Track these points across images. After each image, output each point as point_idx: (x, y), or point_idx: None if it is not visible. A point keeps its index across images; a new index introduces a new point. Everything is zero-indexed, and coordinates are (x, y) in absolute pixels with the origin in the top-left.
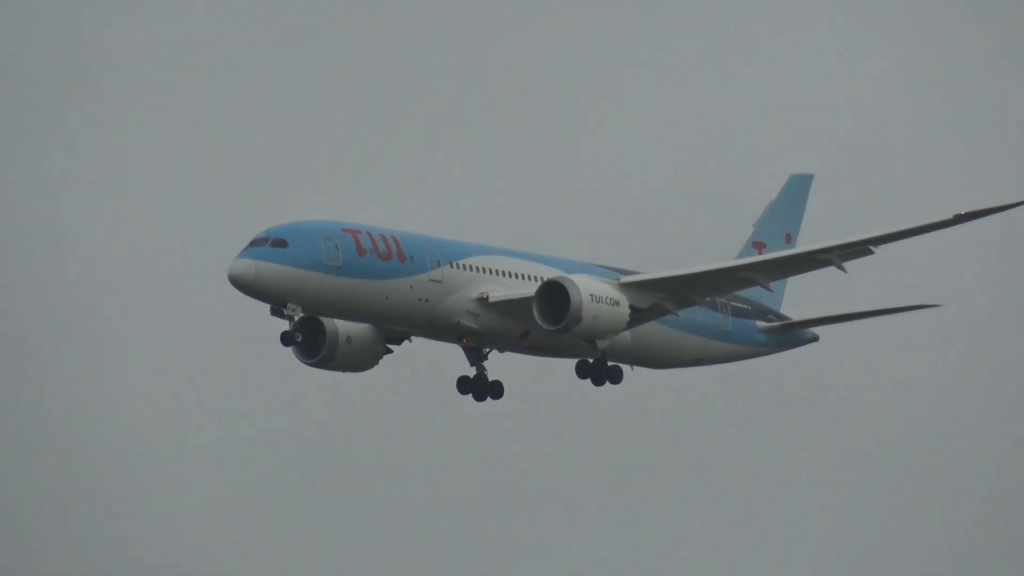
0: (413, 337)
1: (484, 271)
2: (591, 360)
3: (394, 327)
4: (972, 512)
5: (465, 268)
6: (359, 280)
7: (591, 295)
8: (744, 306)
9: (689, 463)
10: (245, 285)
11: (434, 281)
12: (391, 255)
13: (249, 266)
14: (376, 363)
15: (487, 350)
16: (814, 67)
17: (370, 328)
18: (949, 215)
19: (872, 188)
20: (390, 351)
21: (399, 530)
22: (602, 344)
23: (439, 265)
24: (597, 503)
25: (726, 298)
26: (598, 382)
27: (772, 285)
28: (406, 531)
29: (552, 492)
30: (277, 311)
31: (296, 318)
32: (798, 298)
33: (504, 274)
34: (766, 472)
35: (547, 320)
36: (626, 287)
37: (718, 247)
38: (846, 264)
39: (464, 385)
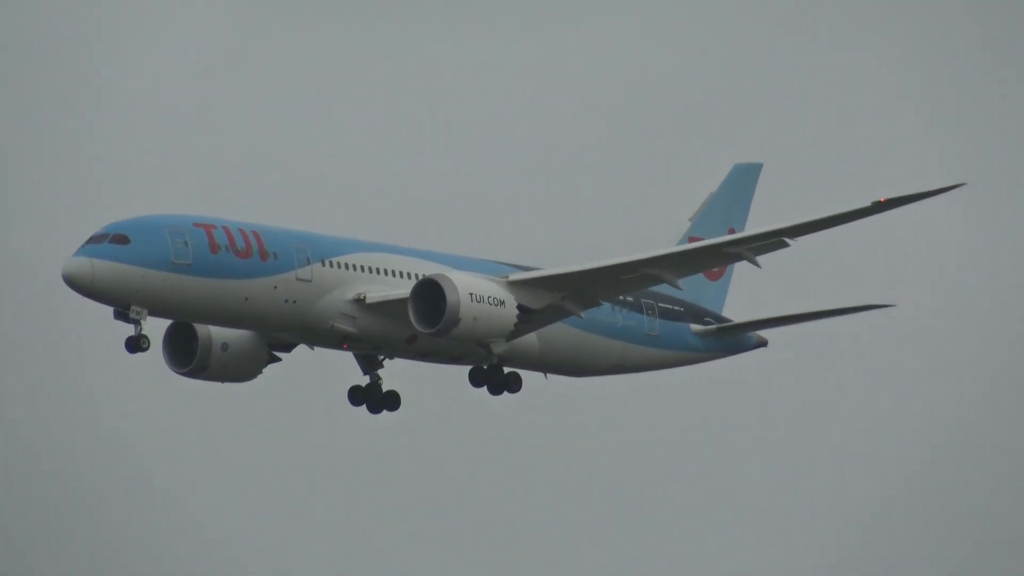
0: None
1: (361, 269)
2: (485, 366)
3: (261, 331)
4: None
5: (339, 266)
6: (212, 280)
7: (471, 294)
8: (675, 308)
9: (601, 475)
10: (81, 286)
11: (302, 280)
12: (251, 252)
13: (84, 265)
14: (259, 372)
15: (381, 357)
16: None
17: (250, 334)
18: (868, 202)
19: (829, 178)
20: (277, 359)
21: (285, 553)
22: (497, 349)
23: (308, 263)
24: (505, 518)
25: (652, 299)
26: (495, 391)
27: (715, 284)
28: (293, 554)
29: (455, 510)
30: (121, 314)
31: (142, 322)
32: (744, 299)
33: (385, 272)
34: (669, 484)
35: (423, 322)
36: (515, 285)
37: (651, 242)
38: (761, 259)
39: (356, 396)
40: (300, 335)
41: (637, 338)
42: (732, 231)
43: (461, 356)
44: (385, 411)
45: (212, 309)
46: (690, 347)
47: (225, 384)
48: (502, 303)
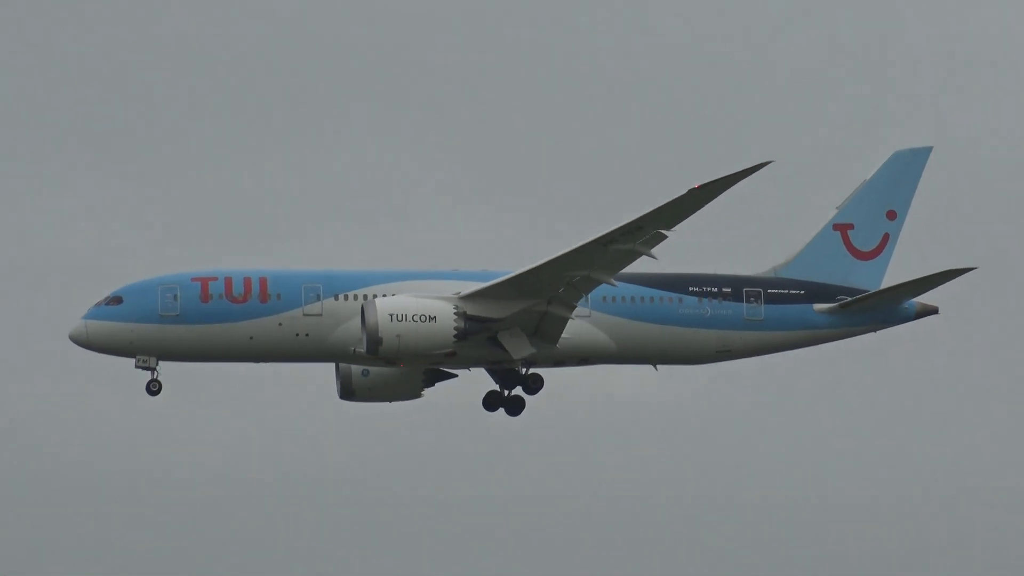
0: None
1: (376, 298)
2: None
3: (284, 362)
4: None
5: (353, 298)
6: (205, 326)
7: (391, 315)
8: (791, 291)
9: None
10: (81, 344)
11: (310, 315)
12: (249, 296)
13: (80, 327)
14: (419, 390)
15: (523, 369)
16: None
17: None
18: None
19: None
20: (453, 375)
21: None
22: (517, 356)
23: (319, 299)
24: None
25: (759, 286)
26: (528, 391)
27: (868, 263)
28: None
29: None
30: (138, 364)
31: (154, 368)
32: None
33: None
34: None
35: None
36: (465, 300)
37: (791, 232)
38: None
39: (491, 401)
40: (333, 360)
41: (736, 325)
42: (893, 214)
43: (500, 361)
44: (517, 412)
45: (217, 349)
46: (815, 325)
47: (392, 403)
48: (432, 319)
